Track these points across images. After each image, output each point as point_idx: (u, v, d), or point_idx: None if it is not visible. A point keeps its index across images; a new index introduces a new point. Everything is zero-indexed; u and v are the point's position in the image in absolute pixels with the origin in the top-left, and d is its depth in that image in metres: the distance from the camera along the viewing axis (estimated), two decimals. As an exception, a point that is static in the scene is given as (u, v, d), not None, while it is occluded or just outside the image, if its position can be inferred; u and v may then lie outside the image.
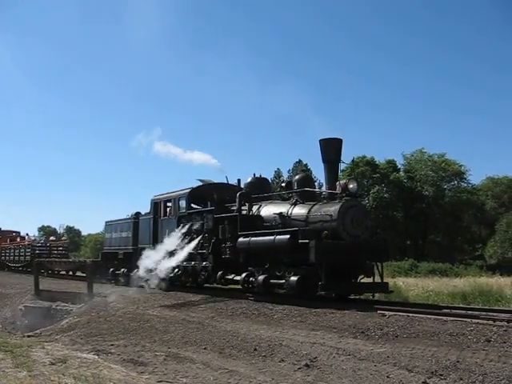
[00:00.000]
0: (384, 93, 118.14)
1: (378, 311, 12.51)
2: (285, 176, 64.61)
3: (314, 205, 16.33)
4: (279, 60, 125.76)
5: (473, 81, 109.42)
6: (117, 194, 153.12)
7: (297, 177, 17.68)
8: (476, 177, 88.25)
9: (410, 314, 11.82)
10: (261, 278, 16.10)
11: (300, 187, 17.17)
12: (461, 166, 57.99)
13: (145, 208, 23.93)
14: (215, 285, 19.19)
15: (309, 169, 65.56)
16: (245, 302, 15.68)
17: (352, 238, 15.44)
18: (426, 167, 57.10)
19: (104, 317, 13.85)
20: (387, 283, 16.25)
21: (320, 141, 16.51)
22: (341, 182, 16.06)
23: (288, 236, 15.28)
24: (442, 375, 7.00)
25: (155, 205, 22.03)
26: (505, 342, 8.63)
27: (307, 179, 17.77)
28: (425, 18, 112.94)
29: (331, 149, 16.36)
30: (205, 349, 9.43)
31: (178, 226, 20.03)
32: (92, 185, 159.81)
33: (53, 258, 35.98)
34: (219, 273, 18.13)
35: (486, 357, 7.81)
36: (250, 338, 10.11)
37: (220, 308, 14.90)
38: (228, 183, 20.72)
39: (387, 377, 7.05)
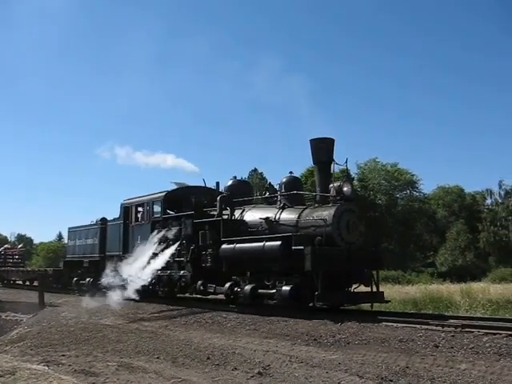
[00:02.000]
0: (340, 101, 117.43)
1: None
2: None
3: (305, 209, 14.79)
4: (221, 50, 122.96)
5: (433, 89, 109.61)
6: (73, 203, 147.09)
7: (284, 179, 16.01)
8: (427, 186, 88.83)
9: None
10: (247, 287, 14.45)
11: (288, 190, 15.55)
12: (413, 175, 58.13)
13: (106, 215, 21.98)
14: (194, 295, 17.31)
15: (264, 177, 64.41)
16: (199, 310, 15.13)
17: (347, 245, 13.92)
18: (379, 176, 56.75)
19: (55, 327, 13.28)
20: (383, 292, 14.74)
21: (311, 141, 15.02)
22: (335, 184, 14.48)
23: (279, 242, 13.68)
24: (391, 381, 6.97)
25: (125, 209, 19.97)
26: (452, 348, 8.68)
27: (296, 182, 16.11)
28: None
29: (323, 149, 14.86)
30: (158, 358, 9.18)
31: (151, 232, 18.08)
32: (45, 193, 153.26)
33: (8, 267, 33.20)
34: (199, 282, 16.30)
35: (434, 362, 7.86)
36: (204, 346, 9.91)
37: (174, 317, 14.46)
38: (206, 186, 18.89)
39: (338, 383, 6.99)
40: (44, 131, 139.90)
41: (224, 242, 15.42)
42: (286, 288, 13.39)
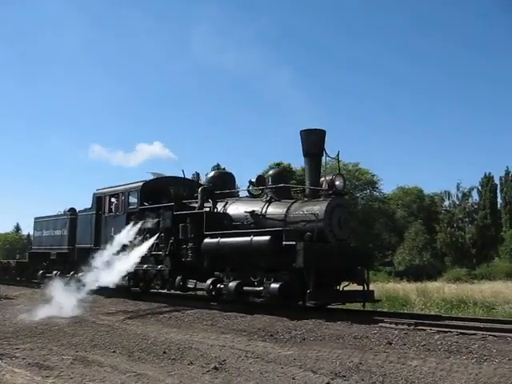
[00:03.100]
0: (303, 94, 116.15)
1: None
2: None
3: (293, 203, 13.90)
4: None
5: (394, 83, 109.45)
6: (33, 193, 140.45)
7: (271, 172, 15.13)
8: (387, 186, 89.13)
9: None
10: (232, 284, 13.49)
11: (275, 183, 14.57)
12: (373, 175, 57.90)
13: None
14: (172, 291, 16.15)
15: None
16: (156, 304, 15.01)
17: (338, 242, 13.08)
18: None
19: (10, 320, 12.93)
20: (373, 291, 13.96)
21: (301, 132, 14.15)
22: (326, 177, 13.61)
23: (268, 237, 12.72)
24: (344, 376, 6.97)
25: (98, 200, 18.63)
26: (405, 344, 8.72)
27: (283, 175, 15.15)
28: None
29: (313, 141, 13.98)
30: (114, 352, 8.98)
31: (127, 224, 16.84)
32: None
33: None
34: (178, 278, 15.20)
35: (387, 358, 7.87)
36: (160, 341, 9.75)
37: (131, 311, 14.20)
38: (185, 178, 17.75)
39: (293, 378, 6.91)
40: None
41: (207, 236, 14.39)
42: (274, 285, 12.52)
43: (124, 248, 16.18)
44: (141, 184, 17.04)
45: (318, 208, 13.04)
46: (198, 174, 17.48)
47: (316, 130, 14.02)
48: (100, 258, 16.29)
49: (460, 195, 59.49)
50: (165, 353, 8.68)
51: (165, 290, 16.12)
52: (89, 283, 16.12)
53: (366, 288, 13.56)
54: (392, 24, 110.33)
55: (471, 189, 59.65)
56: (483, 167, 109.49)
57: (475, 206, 59.34)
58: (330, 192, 13.44)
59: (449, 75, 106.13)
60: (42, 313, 13.05)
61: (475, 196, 61.04)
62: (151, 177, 17.75)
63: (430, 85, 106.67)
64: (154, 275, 16.03)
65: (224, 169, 66.99)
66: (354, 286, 13.88)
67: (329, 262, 12.50)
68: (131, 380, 7.00)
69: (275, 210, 14.02)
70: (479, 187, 59.80)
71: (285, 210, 13.74)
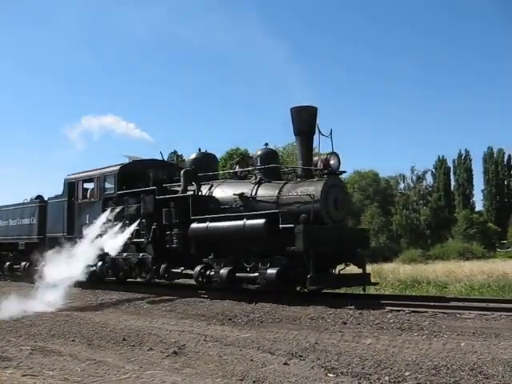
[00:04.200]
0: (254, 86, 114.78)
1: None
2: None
3: (285, 184, 12.99)
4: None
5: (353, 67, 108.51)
6: None
7: (259, 152, 14.07)
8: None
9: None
10: (224, 271, 12.55)
11: (264, 164, 13.60)
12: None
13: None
14: (154, 280, 15.04)
15: (183, 160, 62.06)
16: (115, 293, 14.52)
17: (334, 223, 12.25)
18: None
19: None
20: (370, 274, 13.23)
21: (291, 109, 13.23)
22: (321, 156, 12.72)
23: (263, 220, 11.79)
24: (301, 356, 7.04)
25: (70, 185, 17.18)
26: (359, 324, 8.93)
27: (273, 155, 14.19)
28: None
29: (304, 119, 13.08)
30: (73, 341, 8.82)
31: (103, 211, 15.55)
32: None
33: None
34: (162, 266, 14.09)
35: (342, 338, 8.04)
36: (120, 328, 9.69)
37: (89, 300, 14.01)
38: (164, 160, 16.56)
39: (251, 360, 6.97)
40: None
41: (194, 221, 13.31)
42: (271, 271, 11.66)
43: (100, 236, 14.90)
44: (118, 168, 15.72)
45: (314, 188, 12.18)
46: (178, 156, 16.34)
47: (307, 107, 13.11)
48: (73, 247, 14.98)
49: (415, 178, 60.08)
50: (124, 340, 8.59)
51: (147, 279, 14.91)
52: (61, 274, 14.82)
53: (363, 271, 12.84)
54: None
55: (425, 172, 60.40)
56: (437, 150, 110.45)
57: (429, 189, 60.02)
58: (326, 172, 12.56)
59: (403, 58, 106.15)
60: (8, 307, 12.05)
61: (429, 179, 61.77)
62: (126, 160, 16.45)
63: (383, 67, 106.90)
64: (135, 264, 14.84)
65: (181, 156, 65.64)
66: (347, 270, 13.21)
67: (328, 245, 11.75)
68: (91, 368, 6.86)
69: (266, 191, 13.08)
70: (433, 170, 60.53)
71: (277, 191, 12.82)
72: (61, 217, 17.15)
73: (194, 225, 13.27)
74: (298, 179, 13.13)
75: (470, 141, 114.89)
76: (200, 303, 12.04)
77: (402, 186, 61.44)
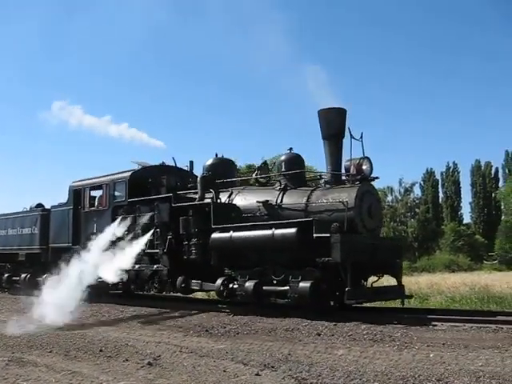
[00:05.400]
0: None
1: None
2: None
3: (313, 190, 12.01)
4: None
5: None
6: None
7: (283, 157, 13.05)
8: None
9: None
10: (249, 284, 11.49)
11: (289, 170, 12.58)
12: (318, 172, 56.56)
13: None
14: (170, 293, 13.87)
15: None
16: (96, 305, 13.77)
17: (369, 232, 11.28)
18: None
19: None
20: (404, 286, 12.20)
21: (319, 111, 12.29)
22: (353, 161, 11.72)
23: (294, 229, 10.76)
24: (273, 367, 7.00)
25: (76, 193, 15.90)
26: (333, 335, 8.91)
27: (298, 160, 13.10)
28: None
29: (333, 121, 12.11)
30: (50, 352, 8.72)
31: (113, 220, 14.33)
32: None
33: None
34: (180, 278, 12.93)
35: (315, 349, 8.05)
36: (98, 339, 9.57)
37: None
38: (177, 166, 15.41)
39: (224, 371, 6.92)
40: None
41: (215, 230, 12.17)
42: (304, 284, 10.66)
43: (111, 246, 13.67)
44: (128, 174, 14.52)
45: (347, 195, 11.23)
46: (191, 163, 15.21)
47: (336, 108, 12.14)
48: (80, 258, 13.73)
49: (402, 190, 59.45)
50: (101, 351, 8.50)
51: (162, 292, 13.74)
52: (65, 288, 13.56)
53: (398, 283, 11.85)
54: None
55: (413, 184, 59.83)
56: (425, 163, 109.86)
57: (417, 201, 59.46)
58: (358, 177, 11.55)
59: (391, 65, 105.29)
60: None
61: (417, 191, 61.27)
62: (136, 166, 15.25)
63: (370, 75, 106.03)
64: (148, 276, 13.63)
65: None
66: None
67: (364, 256, 10.77)
68: (65, 378, 6.85)
69: (293, 198, 12.10)
70: (421, 182, 60.05)
71: (305, 198, 11.85)
72: (65, 226, 15.86)
73: (216, 234, 12.14)
74: (328, 185, 12.11)
75: (457, 154, 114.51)
76: (179, 314, 12.07)
77: (389, 198, 60.72)
